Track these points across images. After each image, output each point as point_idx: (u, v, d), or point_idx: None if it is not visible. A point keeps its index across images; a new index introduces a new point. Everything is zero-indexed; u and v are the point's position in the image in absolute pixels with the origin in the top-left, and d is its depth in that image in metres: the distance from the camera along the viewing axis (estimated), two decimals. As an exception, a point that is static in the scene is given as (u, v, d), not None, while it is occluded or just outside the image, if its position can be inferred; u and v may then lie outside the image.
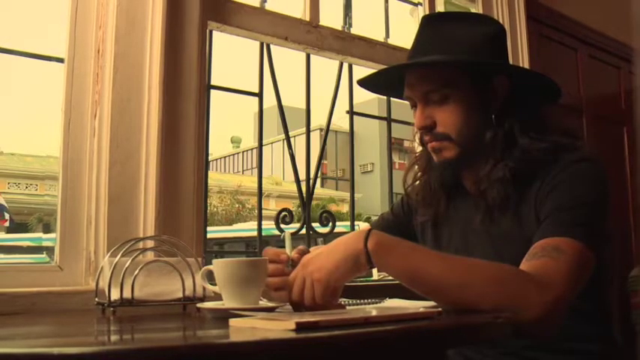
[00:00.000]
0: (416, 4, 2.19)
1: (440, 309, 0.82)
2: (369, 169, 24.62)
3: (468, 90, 1.07)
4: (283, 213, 1.65)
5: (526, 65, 2.18)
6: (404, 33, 1.93)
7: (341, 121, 2.44)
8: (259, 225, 1.70)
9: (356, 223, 2.07)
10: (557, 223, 0.96)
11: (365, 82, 1.22)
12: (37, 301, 1.15)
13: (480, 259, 0.93)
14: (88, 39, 1.33)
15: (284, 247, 1.04)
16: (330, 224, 1.78)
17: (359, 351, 0.62)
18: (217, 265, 0.91)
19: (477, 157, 1.07)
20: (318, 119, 2.14)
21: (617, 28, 2.69)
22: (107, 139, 1.29)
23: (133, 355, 0.53)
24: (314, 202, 2.00)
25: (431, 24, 1.15)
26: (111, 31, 1.31)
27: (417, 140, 1.14)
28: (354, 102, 1.92)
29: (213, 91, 1.57)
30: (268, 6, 1.68)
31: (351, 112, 1.94)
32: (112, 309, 1.00)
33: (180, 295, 1.05)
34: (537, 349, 1.03)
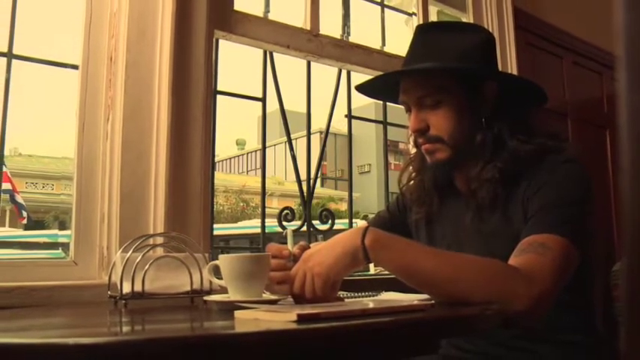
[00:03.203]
0: (410, 14, 2.19)
1: (433, 301, 0.82)
2: (366, 170, 24.60)
3: (460, 95, 1.07)
4: (285, 211, 1.65)
5: (514, 71, 2.18)
6: (399, 41, 1.93)
7: (340, 125, 2.44)
8: (263, 222, 1.70)
9: (354, 220, 2.07)
10: (543, 220, 0.96)
11: (362, 88, 1.22)
12: (53, 294, 1.15)
13: (471, 255, 0.93)
14: (101, 47, 1.33)
15: (286, 243, 1.04)
16: (330, 222, 1.78)
17: (357, 341, 0.62)
18: (223, 261, 0.91)
19: (468, 159, 1.07)
20: (318, 123, 2.14)
21: (599, 37, 2.69)
22: (119, 142, 1.29)
23: (144, 345, 0.53)
24: (314, 201, 1.99)
25: (424, 33, 1.15)
26: (123, 39, 1.32)
27: (412, 142, 1.14)
28: (352, 106, 1.92)
29: (219, 96, 1.57)
30: (271, 16, 1.68)
31: (350, 116, 1.94)
32: (123, 302, 1.00)
33: (188, 288, 1.05)
34: (525, 339, 1.03)
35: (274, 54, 1.70)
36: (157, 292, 1.03)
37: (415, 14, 2.14)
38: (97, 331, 0.78)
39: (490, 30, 2.08)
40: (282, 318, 0.65)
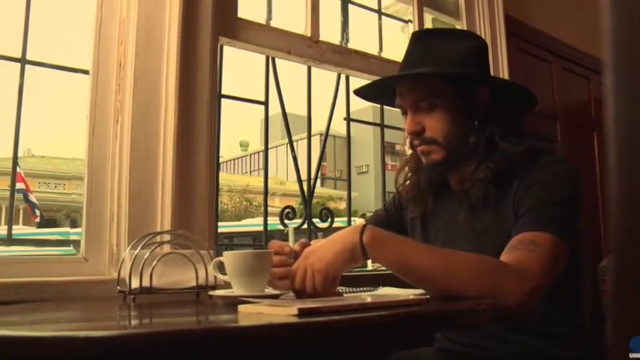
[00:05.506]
0: (406, 22, 2.19)
1: (428, 296, 0.82)
2: (364, 170, 24.62)
3: (454, 99, 1.07)
4: (287, 210, 1.65)
5: (505, 76, 2.18)
6: (396, 47, 1.93)
7: (339, 127, 2.44)
8: (265, 220, 1.70)
9: (352, 218, 2.07)
10: (533, 218, 0.95)
11: (361, 92, 1.22)
12: (65, 289, 1.15)
13: (465, 252, 0.93)
14: (111, 53, 1.33)
15: (288, 240, 1.04)
16: (329, 220, 1.78)
17: (355, 334, 0.62)
18: (227, 257, 0.91)
19: (462, 159, 1.07)
20: (318, 125, 2.14)
21: (587, 43, 2.69)
22: (128, 143, 1.28)
23: (152, 338, 0.53)
24: (314, 200, 1.99)
25: (420, 39, 1.15)
26: (131, 46, 1.32)
27: (408, 144, 1.14)
28: (351, 109, 1.92)
29: (223, 100, 1.57)
30: (273, 23, 1.68)
31: (348, 119, 1.94)
32: (132, 296, 1.00)
33: (193, 283, 1.05)
34: (516, 332, 1.03)
35: (276, 59, 1.70)
36: (164, 287, 1.03)
37: (411, 21, 2.14)
38: (107, 324, 0.78)
39: (482, 36, 2.08)
40: (283, 312, 0.65)
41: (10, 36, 1.32)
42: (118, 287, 1.04)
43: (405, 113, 1.12)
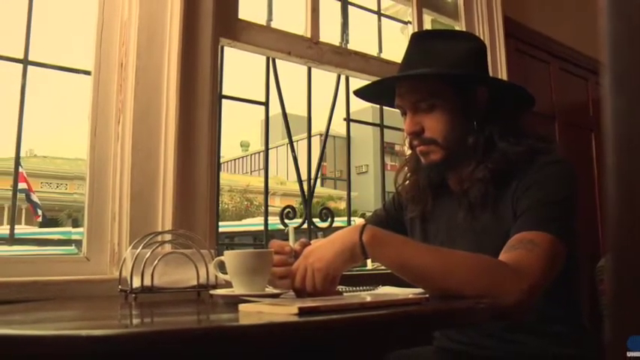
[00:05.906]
0: (406, 23, 2.19)
1: (427, 295, 0.82)
2: (363, 170, 24.62)
3: (453, 99, 1.07)
4: (287, 209, 1.65)
5: (504, 77, 2.18)
6: (395, 48, 1.93)
7: (339, 128, 2.44)
8: (265, 220, 1.70)
9: (352, 218, 2.07)
10: (532, 218, 0.95)
11: (360, 93, 1.22)
12: (67, 288, 1.15)
13: (463, 252, 0.93)
14: (113, 54, 1.33)
15: (288, 240, 1.04)
16: (329, 219, 1.78)
17: (355, 333, 0.62)
18: (228, 256, 0.91)
19: (461, 160, 1.07)
20: (318, 125, 2.14)
21: (585, 44, 2.69)
22: (129, 143, 1.28)
23: (153, 336, 0.53)
24: (314, 200, 1.99)
25: (419, 40, 1.15)
26: (133, 47, 1.31)
27: (407, 144, 1.14)
28: (351, 110, 1.92)
29: (224, 101, 1.57)
30: (274, 24, 1.68)
31: (348, 119, 1.94)
32: (133, 295, 0.99)
33: (194, 283, 1.05)
34: (515, 330, 1.03)
35: (276, 60, 1.70)
36: (165, 286, 1.03)
37: (410, 22, 2.14)
38: (109, 323, 0.78)
39: (481, 37, 2.08)
40: (284, 311, 0.65)
41: (13, 37, 1.32)
42: (120, 286, 1.04)
43: (404, 114, 1.12)
